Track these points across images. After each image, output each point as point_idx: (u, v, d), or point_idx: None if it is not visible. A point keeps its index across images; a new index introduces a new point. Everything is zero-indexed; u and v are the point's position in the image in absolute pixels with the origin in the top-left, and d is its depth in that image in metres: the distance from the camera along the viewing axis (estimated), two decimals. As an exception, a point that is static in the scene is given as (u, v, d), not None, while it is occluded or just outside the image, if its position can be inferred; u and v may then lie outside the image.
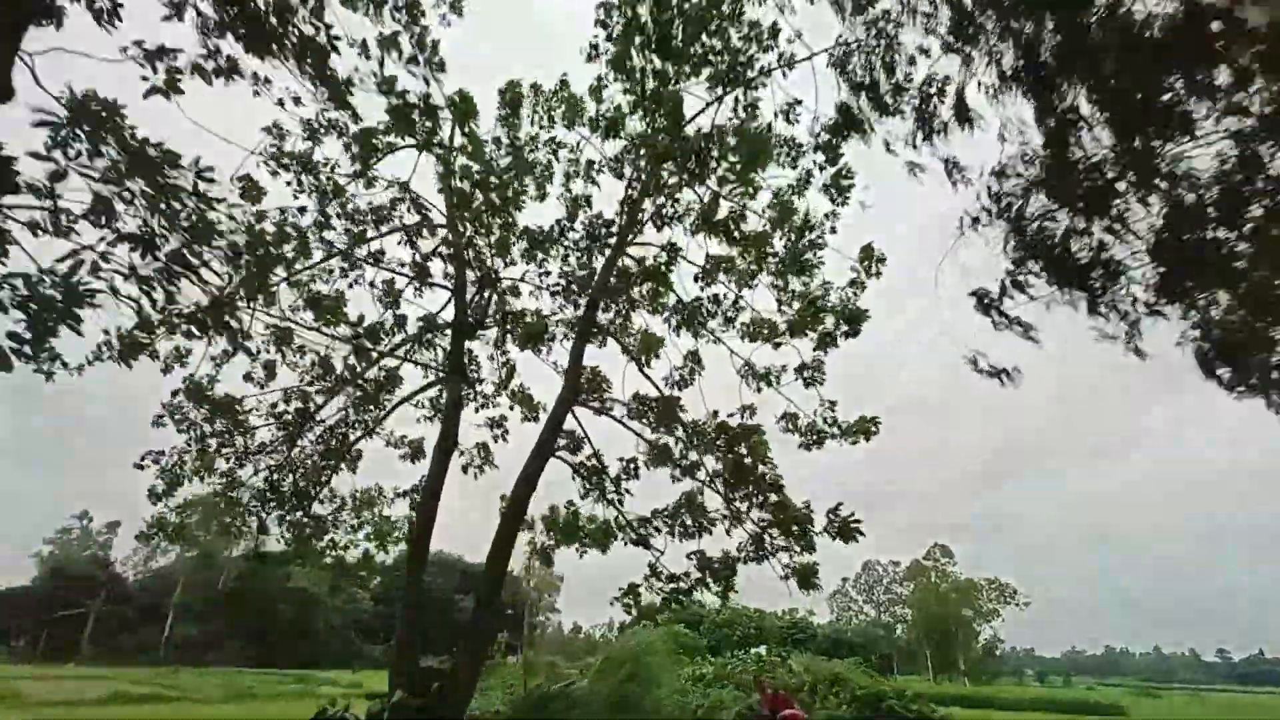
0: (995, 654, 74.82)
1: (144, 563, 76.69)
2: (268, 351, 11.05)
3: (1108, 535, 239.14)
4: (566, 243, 11.84)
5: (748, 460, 9.98)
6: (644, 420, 10.73)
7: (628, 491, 10.38)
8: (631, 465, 10.52)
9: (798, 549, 9.38)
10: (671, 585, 9.65)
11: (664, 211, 11.01)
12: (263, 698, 31.66)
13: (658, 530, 9.71)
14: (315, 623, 64.75)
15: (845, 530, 8.43)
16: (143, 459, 10.59)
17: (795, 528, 9.23)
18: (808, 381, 10.96)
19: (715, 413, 10.79)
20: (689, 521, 9.51)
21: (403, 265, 11.48)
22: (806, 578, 9.33)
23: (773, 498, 9.61)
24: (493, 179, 9.96)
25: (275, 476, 11.02)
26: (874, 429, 10.46)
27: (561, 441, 10.57)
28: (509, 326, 12.14)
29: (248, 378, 11.08)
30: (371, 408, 11.62)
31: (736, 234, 10.47)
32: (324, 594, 67.60)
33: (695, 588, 9.50)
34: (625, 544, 10.20)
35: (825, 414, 10.68)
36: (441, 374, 11.44)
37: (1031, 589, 74.14)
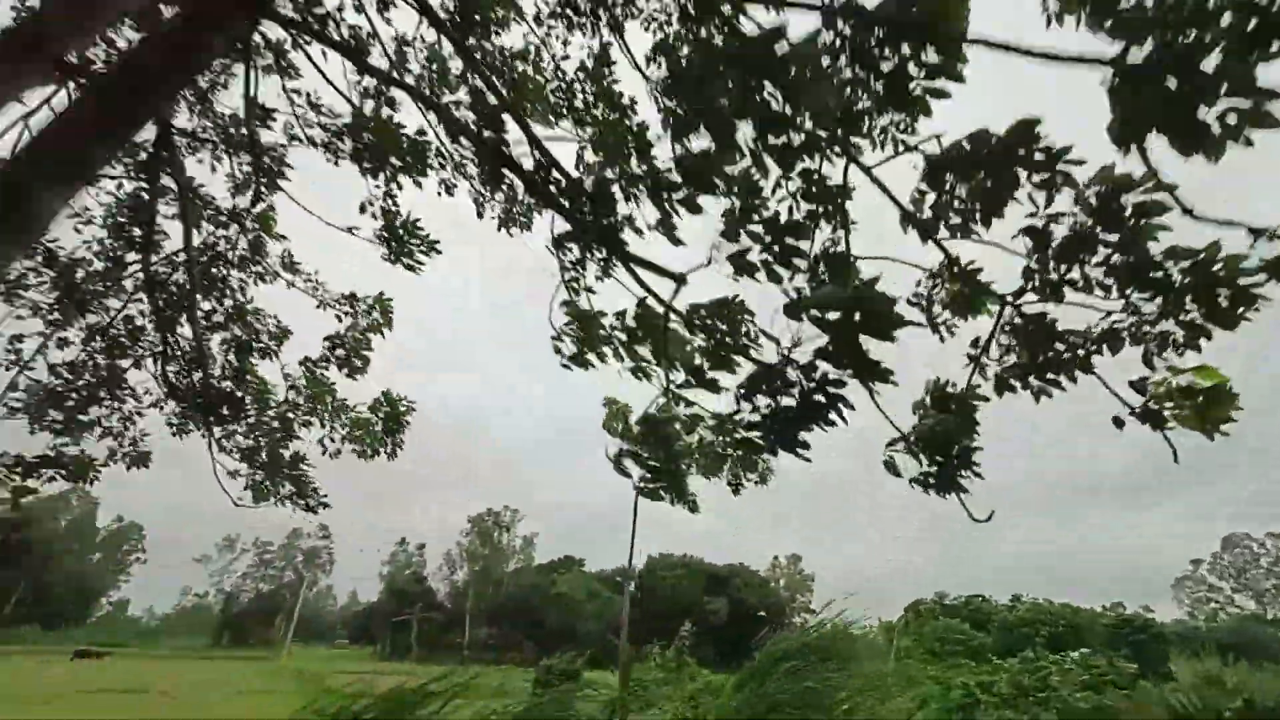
0: None
1: (449, 575, 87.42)
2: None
3: None
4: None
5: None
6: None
7: (679, 207, 3.70)
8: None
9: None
10: (770, 407, 2.92)
11: None
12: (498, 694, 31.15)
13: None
14: (580, 626, 65.30)
15: None
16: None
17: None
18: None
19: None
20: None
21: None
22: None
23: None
24: None
25: (169, 369, 6.81)
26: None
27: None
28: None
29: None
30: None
31: None
32: (582, 598, 68.61)
33: (823, 414, 2.62)
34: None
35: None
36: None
37: None
